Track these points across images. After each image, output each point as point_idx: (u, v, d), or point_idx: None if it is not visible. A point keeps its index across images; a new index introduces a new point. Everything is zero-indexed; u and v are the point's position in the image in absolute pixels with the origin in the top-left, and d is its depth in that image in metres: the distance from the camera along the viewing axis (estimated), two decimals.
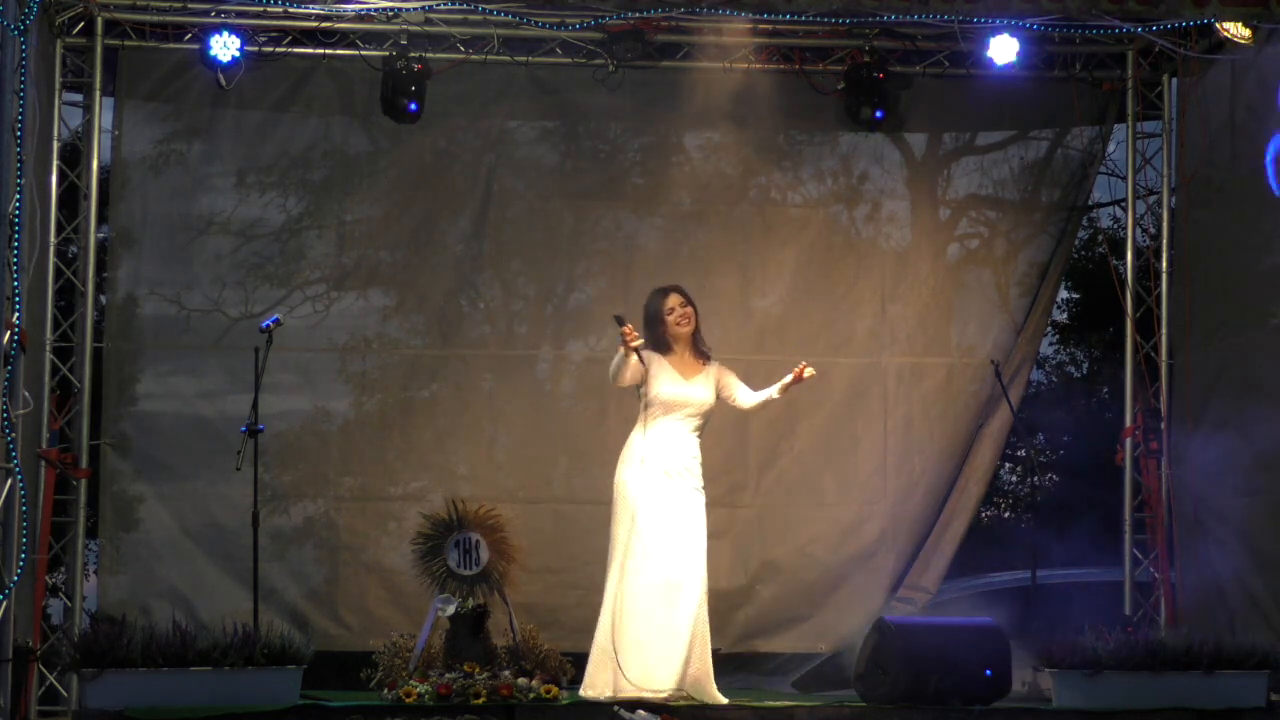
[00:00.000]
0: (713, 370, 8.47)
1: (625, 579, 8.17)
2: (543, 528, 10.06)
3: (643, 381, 8.40)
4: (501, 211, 10.44)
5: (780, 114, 10.56)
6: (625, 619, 8.13)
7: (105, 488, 9.99)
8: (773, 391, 8.46)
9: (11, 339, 7.72)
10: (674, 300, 8.46)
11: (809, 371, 8.36)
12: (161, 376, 10.16)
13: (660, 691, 8.05)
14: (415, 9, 9.62)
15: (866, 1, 9.00)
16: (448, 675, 8.06)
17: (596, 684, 8.16)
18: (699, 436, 8.42)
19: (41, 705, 9.47)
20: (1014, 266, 10.71)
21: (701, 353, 8.48)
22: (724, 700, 8.23)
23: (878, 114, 10.29)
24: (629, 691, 8.02)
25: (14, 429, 7.72)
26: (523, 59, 10.31)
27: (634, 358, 8.23)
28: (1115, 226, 13.34)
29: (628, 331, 8.16)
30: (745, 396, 8.53)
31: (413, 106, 10.00)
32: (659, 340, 8.44)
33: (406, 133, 10.24)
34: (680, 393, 8.36)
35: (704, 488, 8.38)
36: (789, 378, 8.40)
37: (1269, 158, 9.34)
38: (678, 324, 8.42)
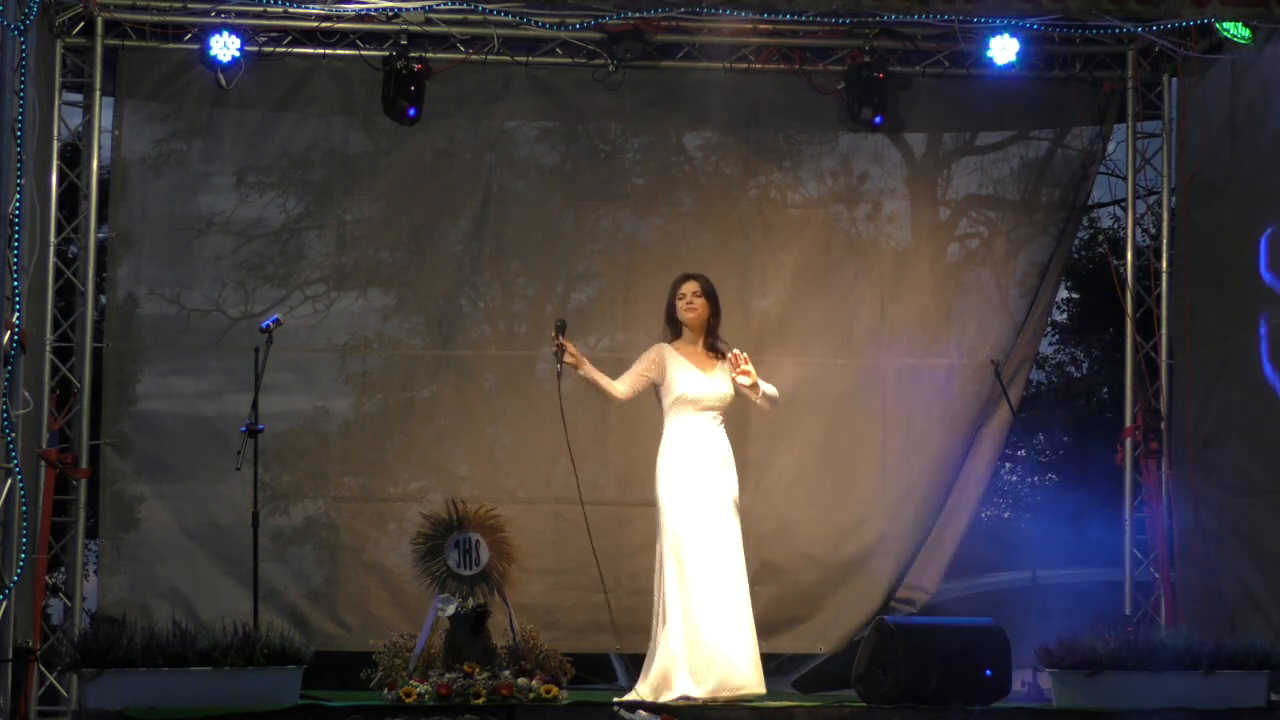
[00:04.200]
0: (727, 364, 8.47)
1: (682, 585, 8.19)
2: (542, 528, 10.06)
3: (662, 380, 8.41)
4: (501, 211, 10.44)
5: (780, 114, 10.56)
6: (690, 624, 8.16)
7: (105, 488, 9.99)
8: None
9: (11, 339, 7.72)
10: (688, 286, 8.47)
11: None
12: (161, 376, 10.16)
13: (738, 689, 8.12)
14: (415, 9, 9.63)
15: (866, 1, 9.00)
16: (448, 675, 8.05)
17: (665, 686, 8.16)
18: (723, 429, 8.42)
19: (41, 705, 9.48)
20: (1014, 266, 10.70)
21: (715, 348, 8.47)
22: (763, 690, 8.25)
23: (876, 119, 10.30)
24: (702, 693, 8.08)
25: (14, 429, 7.73)
26: (523, 59, 10.32)
27: (581, 372, 8.28)
28: (1115, 226, 13.34)
29: (558, 343, 8.26)
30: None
31: (411, 112, 10.02)
32: (672, 325, 8.50)
33: (406, 133, 10.25)
34: (701, 387, 8.35)
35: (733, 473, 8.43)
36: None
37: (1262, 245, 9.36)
38: (683, 310, 8.43)
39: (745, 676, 8.19)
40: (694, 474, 8.31)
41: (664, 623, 8.23)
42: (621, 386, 8.42)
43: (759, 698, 8.19)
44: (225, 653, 7.59)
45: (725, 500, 8.33)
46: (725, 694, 8.12)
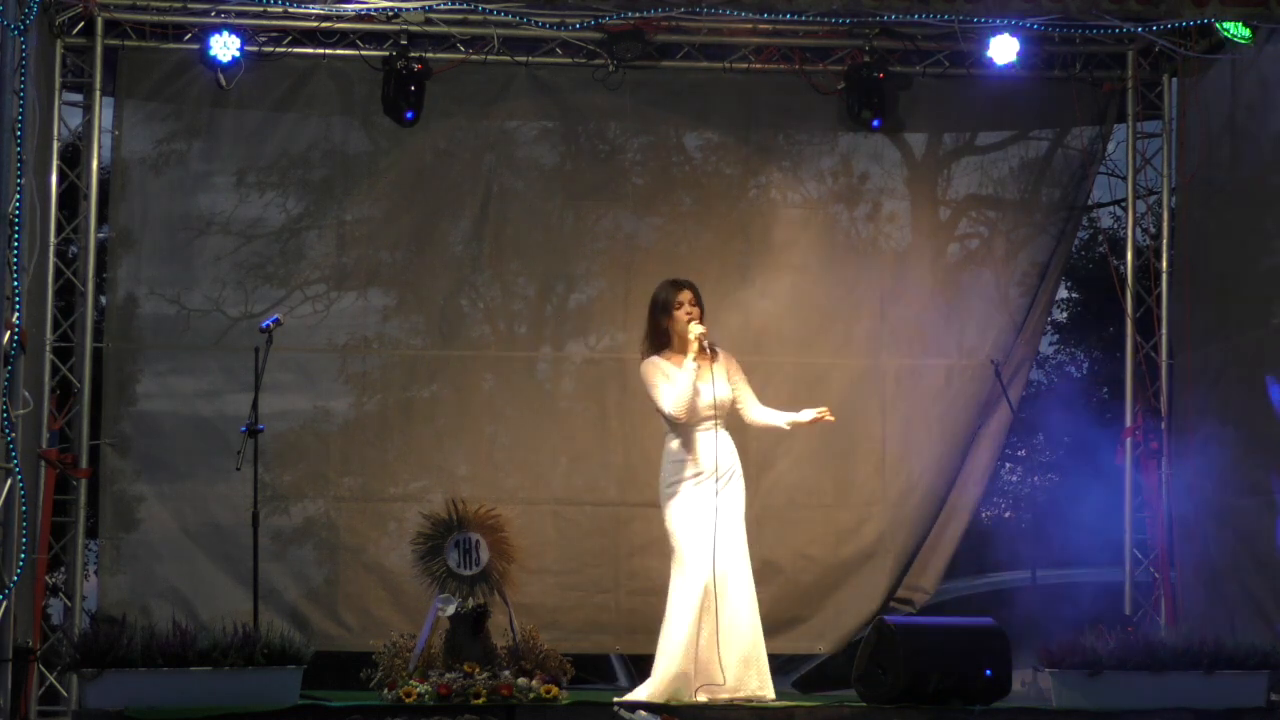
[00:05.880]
0: (721, 364, 8.39)
1: (684, 597, 8.18)
2: (542, 528, 10.07)
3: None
4: (501, 211, 10.44)
5: (780, 114, 10.56)
6: (694, 631, 8.16)
7: (105, 488, 9.99)
8: (782, 423, 8.42)
9: (11, 339, 7.73)
10: (685, 295, 8.35)
11: (828, 419, 8.34)
12: (161, 376, 10.16)
13: (735, 691, 8.12)
14: (415, 9, 9.63)
15: (866, 1, 9.01)
16: (448, 675, 8.06)
17: (663, 688, 8.16)
18: (726, 434, 8.36)
19: (41, 705, 9.48)
20: (1014, 266, 10.69)
21: (706, 350, 8.42)
22: (772, 696, 8.25)
23: (875, 123, 10.32)
24: (720, 694, 8.10)
25: (14, 429, 7.74)
26: (523, 59, 10.32)
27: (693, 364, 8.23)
28: (1115, 226, 13.34)
29: (707, 341, 8.22)
30: (756, 412, 8.47)
31: (409, 115, 10.02)
32: (659, 333, 8.37)
33: (407, 133, 10.25)
34: (699, 398, 8.33)
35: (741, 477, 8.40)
36: (806, 417, 8.36)
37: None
38: (683, 320, 8.32)
39: (744, 681, 8.18)
40: (695, 492, 8.25)
41: (668, 632, 8.21)
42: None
43: (768, 702, 8.18)
44: (225, 653, 7.60)
45: (728, 513, 8.26)
46: (724, 696, 8.11)
